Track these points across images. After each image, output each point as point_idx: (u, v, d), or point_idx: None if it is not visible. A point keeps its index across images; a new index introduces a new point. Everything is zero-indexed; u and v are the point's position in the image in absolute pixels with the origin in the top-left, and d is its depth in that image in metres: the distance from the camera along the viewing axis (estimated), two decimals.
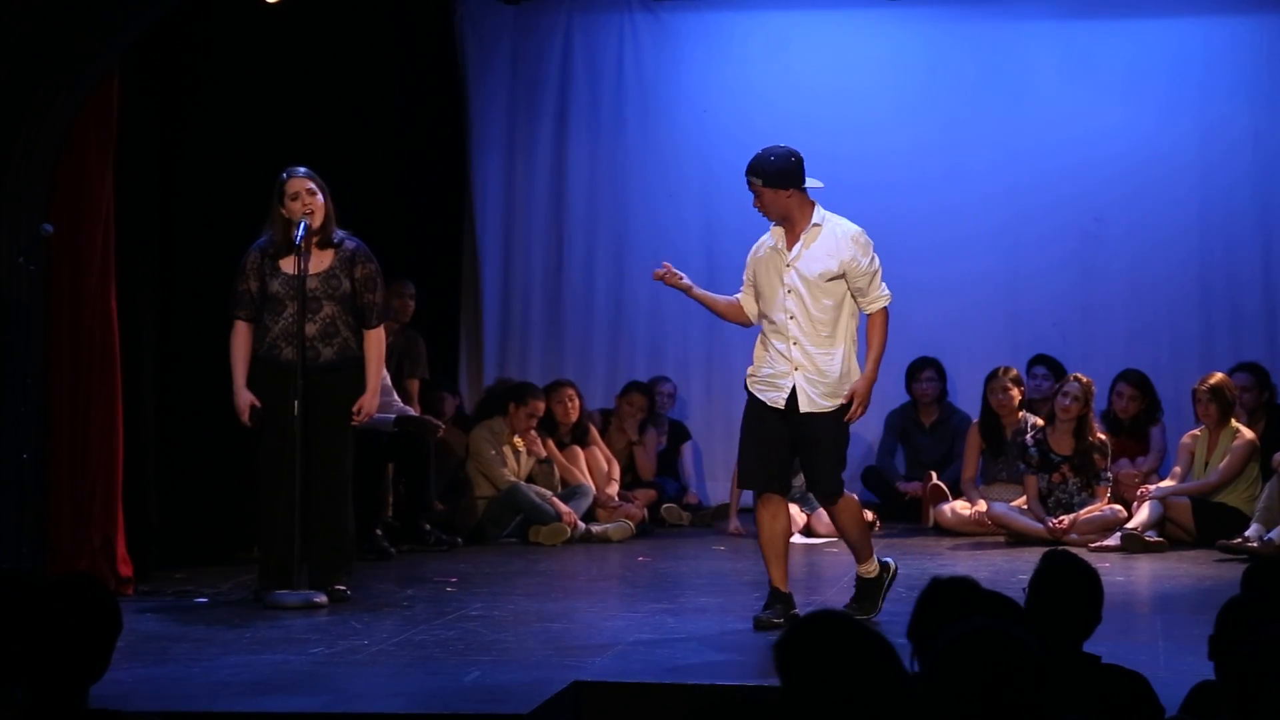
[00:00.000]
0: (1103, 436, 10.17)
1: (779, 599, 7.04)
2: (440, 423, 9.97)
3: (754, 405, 7.21)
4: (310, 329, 7.51)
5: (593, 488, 10.46)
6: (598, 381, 11.63)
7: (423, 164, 11.40)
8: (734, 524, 10.39)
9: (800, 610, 6.95)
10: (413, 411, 9.96)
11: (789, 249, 7.11)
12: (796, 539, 10.08)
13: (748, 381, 7.26)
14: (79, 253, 7.55)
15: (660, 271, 7.45)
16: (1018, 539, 9.90)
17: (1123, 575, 8.77)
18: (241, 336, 7.61)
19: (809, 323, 7.05)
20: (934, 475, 10.68)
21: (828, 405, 7.05)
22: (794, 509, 10.24)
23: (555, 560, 9.38)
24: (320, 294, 7.54)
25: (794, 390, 7.05)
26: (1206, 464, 9.97)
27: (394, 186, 10.97)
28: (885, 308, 7.23)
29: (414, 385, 10.35)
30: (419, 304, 10.42)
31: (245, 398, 7.54)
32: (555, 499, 10.11)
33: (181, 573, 8.34)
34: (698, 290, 7.44)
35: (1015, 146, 11.43)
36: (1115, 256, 11.43)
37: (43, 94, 7.32)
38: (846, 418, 7.10)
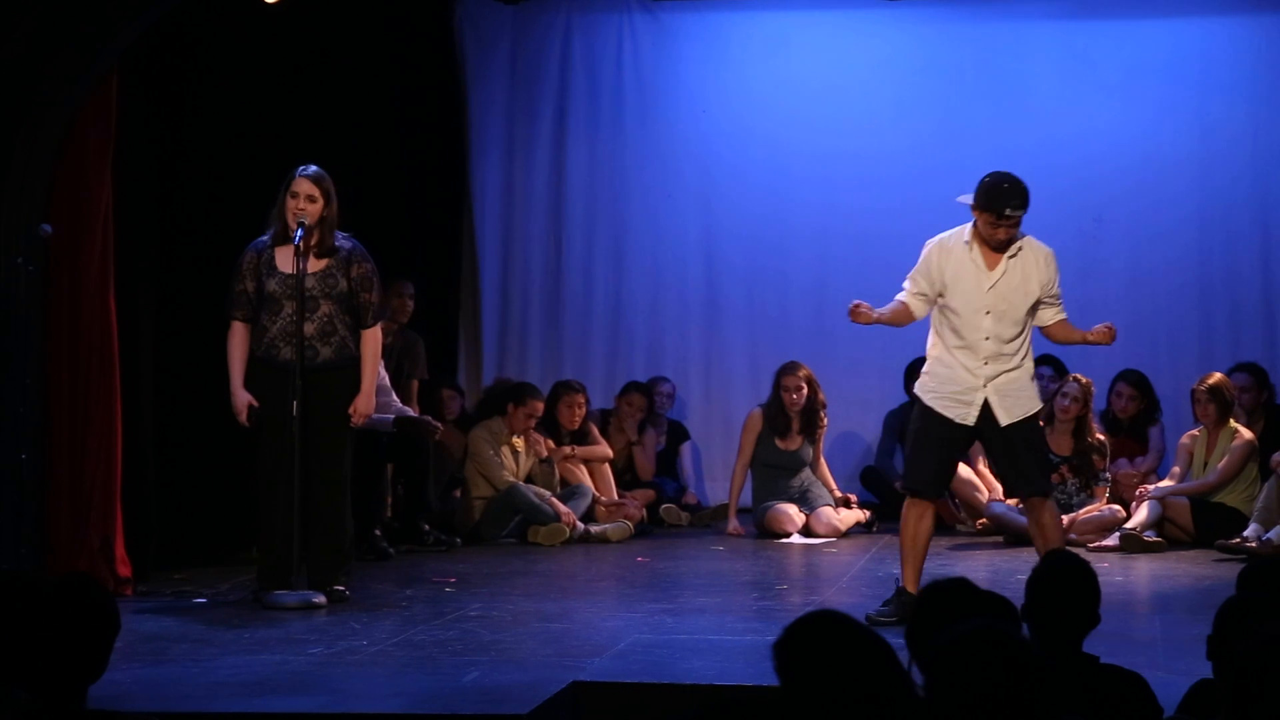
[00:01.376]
0: (1102, 437, 10.17)
1: (902, 599, 7.12)
2: (438, 424, 9.96)
3: (934, 418, 7.23)
4: (308, 328, 7.51)
5: (591, 488, 10.45)
6: (597, 381, 11.62)
7: (421, 164, 11.40)
8: (733, 524, 10.39)
9: (801, 610, 6.95)
10: (412, 412, 9.96)
11: (990, 268, 7.16)
12: (795, 539, 10.11)
13: (926, 396, 7.27)
14: (78, 253, 7.55)
15: (854, 306, 7.34)
16: (1016, 539, 9.89)
17: (1121, 575, 8.78)
18: (239, 337, 7.60)
19: (1002, 343, 7.14)
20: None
21: (1026, 412, 7.19)
22: (792, 509, 10.27)
23: (554, 560, 9.38)
24: (317, 293, 7.54)
25: (985, 404, 7.15)
26: (1205, 464, 9.97)
27: (393, 187, 10.97)
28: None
29: (413, 386, 10.34)
30: (418, 304, 10.42)
31: (243, 398, 7.54)
32: (554, 499, 10.11)
33: (180, 573, 8.34)
34: (881, 313, 7.38)
35: (1013, 146, 11.39)
36: (1113, 256, 11.43)
37: (42, 95, 7.32)
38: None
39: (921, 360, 10.99)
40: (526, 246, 11.86)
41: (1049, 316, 7.31)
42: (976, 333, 7.15)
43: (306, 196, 7.53)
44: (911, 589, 7.14)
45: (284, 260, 7.56)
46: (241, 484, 8.23)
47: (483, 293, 11.83)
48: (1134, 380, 10.59)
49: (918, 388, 7.36)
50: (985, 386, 7.15)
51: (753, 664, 5.99)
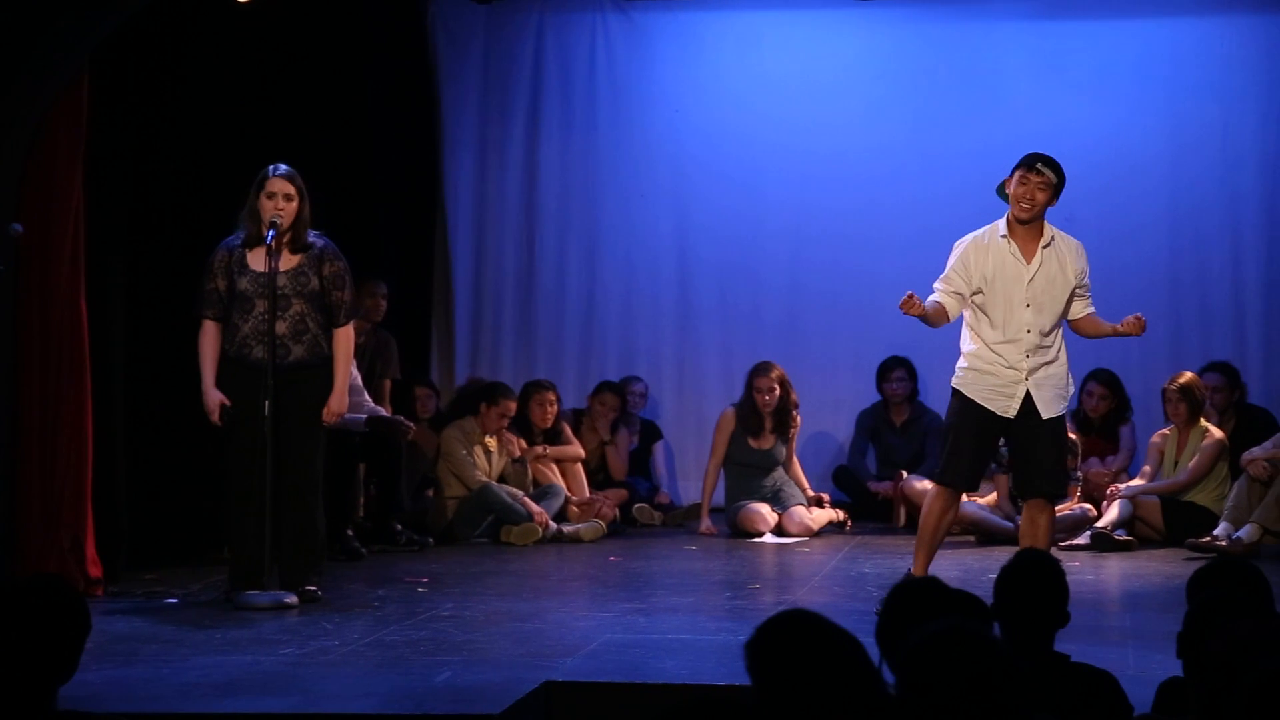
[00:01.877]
0: (1073, 436, 10.18)
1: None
2: (411, 424, 9.95)
3: (974, 411, 7.30)
4: (280, 327, 7.49)
5: (564, 488, 10.45)
6: (569, 381, 11.62)
7: (394, 163, 11.39)
8: (705, 523, 10.40)
9: (774, 609, 6.96)
10: (384, 412, 9.95)
11: (1028, 261, 7.28)
12: (767, 538, 10.12)
13: (967, 389, 7.33)
14: (49, 252, 7.52)
15: (908, 296, 7.35)
16: (988, 538, 9.93)
17: (1092, 574, 8.81)
18: (210, 336, 7.58)
19: (1042, 335, 7.25)
20: (905, 474, 10.70)
21: (1063, 408, 7.33)
22: (765, 508, 10.28)
23: (527, 560, 9.37)
24: (289, 292, 7.52)
25: (1027, 396, 7.23)
26: (1176, 463, 10.01)
27: (366, 186, 10.95)
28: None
29: (386, 385, 10.33)
30: (391, 304, 10.41)
31: (214, 397, 7.52)
32: (527, 499, 10.11)
33: (151, 573, 8.31)
34: (924, 309, 7.41)
35: (985, 145, 11.42)
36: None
37: (13, 93, 7.29)
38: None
39: (892, 359, 11.11)
40: (499, 245, 11.86)
41: (1079, 309, 7.40)
42: (1018, 326, 7.24)
43: (284, 196, 7.52)
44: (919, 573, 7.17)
45: (256, 259, 7.54)
46: (213, 484, 8.19)
47: (456, 292, 11.82)
48: (1105, 379, 10.62)
49: (956, 382, 7.41)
50: (1027, 379, 7.24)
51: (725, 663, 6.00)
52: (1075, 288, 7.32)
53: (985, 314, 7.30)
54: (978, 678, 3.04)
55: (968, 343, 7.41)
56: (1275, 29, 11.27)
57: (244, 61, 9.41)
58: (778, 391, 10.41)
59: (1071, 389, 7.43)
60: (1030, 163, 7.33)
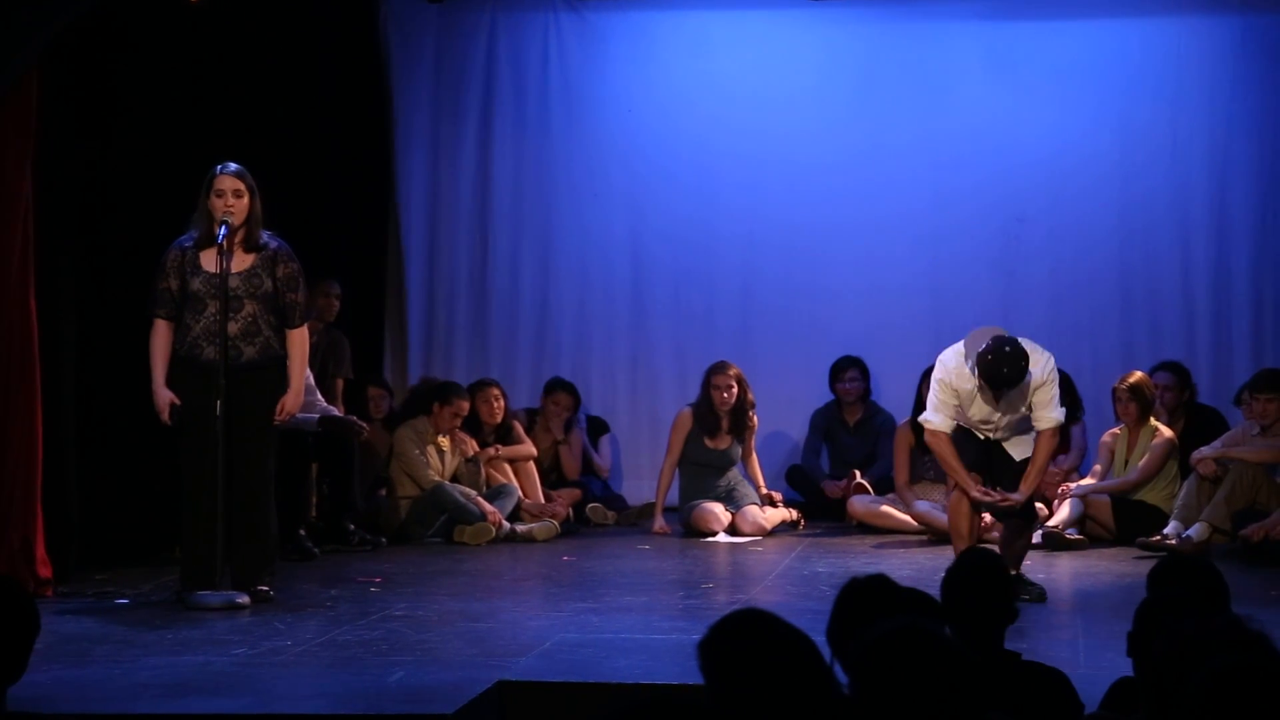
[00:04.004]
0: None
1: None
2: (364, 424, 9.93)
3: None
4: (232, 328, 7.46)
5: (517, 488, 10.44)
6: (523, 381, 11.61)
7: (347, 163, 11.35)
8: (659, 523, 10.41)
9: (727, 608, 6.98)
10: (337, 411, 9.92)
11: (996, 403, 7.74)
12: (721, 538, 10.13)
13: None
14: None
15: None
16: (941, 537, 9.95)
17: (1043, 573, 8.83)
18: (161, 335, 7.55)
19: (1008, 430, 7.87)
20: (858, 474, 10.72)
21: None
22: (718, 508, 10.29)
23: (480, 560, 9.36)
24: (242, 293, 7.50)
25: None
26: (1126, 462, 10.06)
27: (318, 185, 10.91)
28: (1056, 429, 7.89)
29: (338, 385, 10.31)
30: (343, 303, 10.38)
31: (165, 396, 7.48)
32: (480, 499, 10.09)
33: (102, 574, 8.27)
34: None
35: (936, 146, 11.49)
36: (1037, 257, 11.51)
37: None
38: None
39: (845, 359, 11.13)
40: (452, 245, 11.83)
41: (1034, 422, 7.86)
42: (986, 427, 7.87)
43: (233, 192, 7.50)
44: None
45: (208, 260, 7.51)
46: (164, 484, 8.17)
47: (409, 292, 11.80)
48: None
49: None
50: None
51: (678, 662, 6.00)
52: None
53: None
54: (931, 676, 3.05)
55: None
56: (1223, 29, 11.34)
57: (195, 61, 9.36)
58: (735, 390, 10.43)
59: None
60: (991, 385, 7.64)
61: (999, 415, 7.77)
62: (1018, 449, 7.86)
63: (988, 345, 7.54)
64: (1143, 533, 9.45)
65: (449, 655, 6.42)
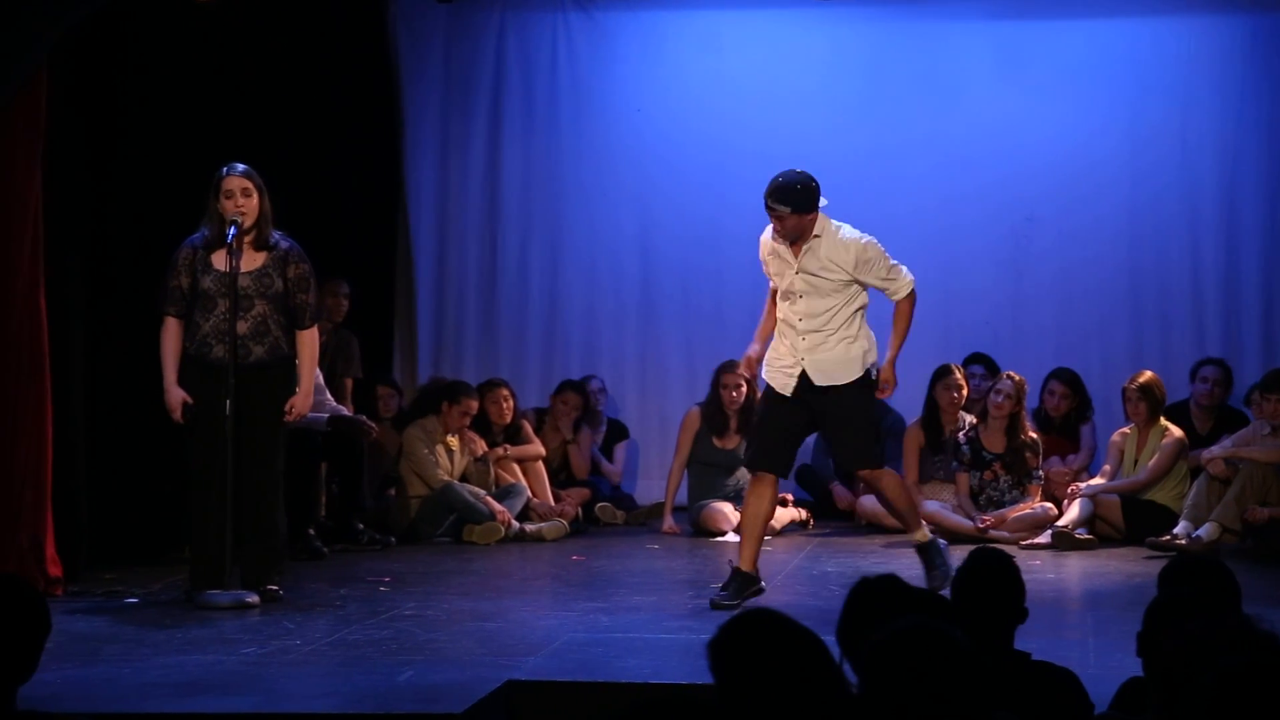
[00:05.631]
0: (1034, 435, 10.23)
1: (735, 579, 7.53)
2: (373, 424, 9.94)
3: (768, 392, 7.73)
4: (241, 327, 7.47)
5: (526, 487, 10.44)
6: (532, 380, 11.62)
7: (356, 163, 11.35)
8: (668, 522, 10.41)
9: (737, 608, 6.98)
10: (346, 411, 9.93)
11: (795, 257, 7.58)
12: (730, 537, 10.12)
13: (764, 371, 7.72)
14: (7, 252, 7.48)
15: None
16: (949, 536, 9.94)
17: (1053, 573, 8.84)
18: (172, 333, 7.55)
19: (814, 319, 7.53)
20: None
21: (841, 379, 7.53)
22: (728, 507, 10.28)
23: (489, 559, 9.36)
24: (252, 292, 7.51)
25: (803, 374, 7.54)
26: (1136, 462, 10.05)
27: (327, 185, 10.92)
28: (910, 293, 7.74)
29: (347, 384, 10.32)
30: (353, 303, 10.39)
31: (177, 395, 7.49)
32: (489, 498, 10.09)
33: (111, 573, 8.27)
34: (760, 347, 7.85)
35: (948, 145, 11.48)
36: (1047, 256, 11.50)
37: None
38: (877, 393, 7.67)
39: None
40: (462, 245, 11.84)
41: (890, 296, 7.74)
42: (790, 312, 7.66)
43: (242, 192, 7.51)
44: (744, 566, 7.66)
45: (219, 259, 7.52)
46: (173, 483, 8.17)
47: (418, 291, 11.80)
48: (1066, 378, 10.66)
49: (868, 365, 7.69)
50: (803, 360, 7.59)
51: (687, 662, 6.01)
52: (854, 279, 7.58)
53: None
54: (941, 676, 3.05)
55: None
56: (1232, 29, 11.33)
57: (204, 61, 9.37)
58: (744, 389, 10.42)
59: (860, 366, 7.61)
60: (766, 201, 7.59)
61: (802, 286, 7.52)
62: (820, 369, 7.51)
63: None
64: (1152, 533, 9.45)
65: (458, 654, 6.42)
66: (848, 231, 7.65)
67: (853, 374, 7.55)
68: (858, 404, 7.60)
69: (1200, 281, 11.36)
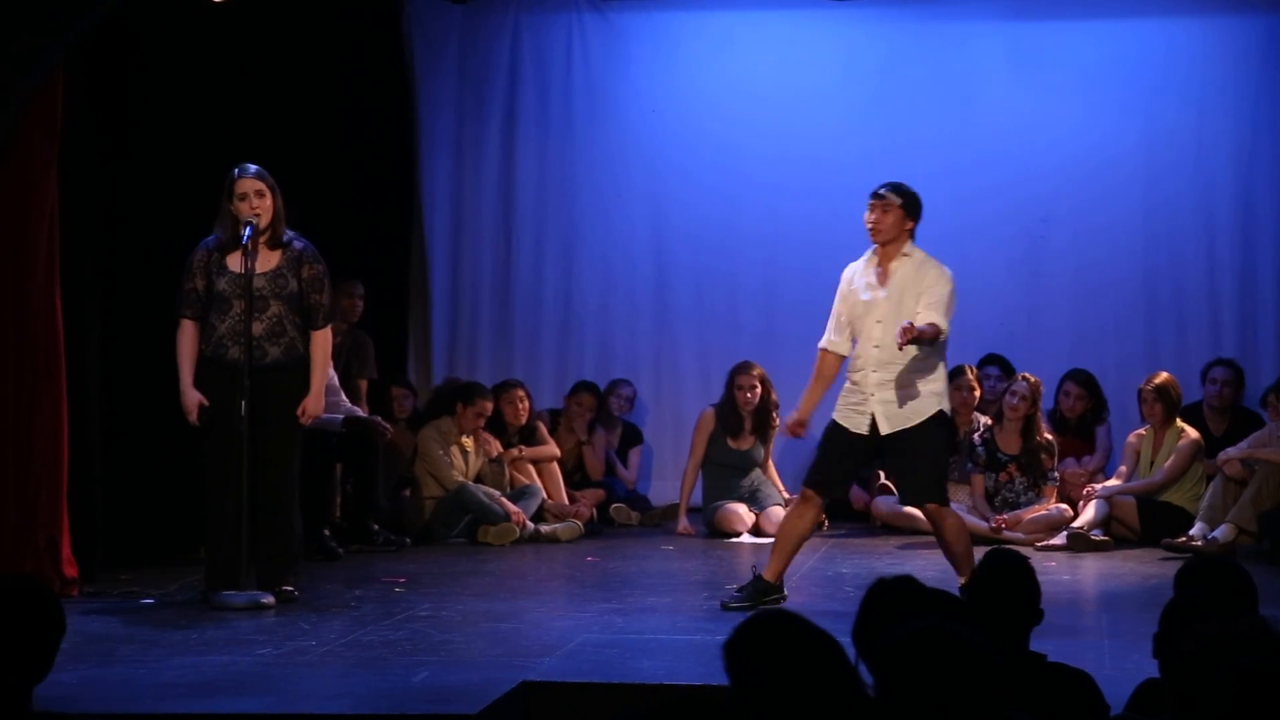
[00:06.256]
0: (1050, 437, 10.22)
1: (753, 584, 7.53)
2: (388, 425, 9.94)
3: (837, 422, 7.66)
4: (257, 328, 7.47)
5: (541, 488, 10.44)
6: (547, 381, 11.62)
7: (371, 164, 11.37)
8: (683, 523, 10.40)
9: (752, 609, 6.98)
10: (361, 412, 9.94)
11: (883, 281, 7.51)
12: (745, 538, 10.12)
13: (836, 409, 7.70)
14: (23, 254, 7.50)
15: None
16: None
17: (1069, 574, 8.82)
18: (188, 335, 7.56)
19: (891, 349, 7.34)
20: (881, 474, 10.69)
21: (910, 422, 7.45)
22: (742, 508, 10.28)
23: (504, 560, 9.37)
24: (267, 293, 7.51)
25: (874, 417, 7.49)
26: (1152, 463, 10.03)
27: (342, 187, 10.93)
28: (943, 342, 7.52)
29: (362, 385, 10.32)
30: (367, 304, 10.40)
31: (193, 397, 7.49)
32: (504, 499, 10.10)
33: (127, 574, 8.29)
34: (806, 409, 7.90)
35: (961, 146, 11.46)
36: (1062, 257, 11.48)
37: None
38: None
39: None
40: (476, 246, 11.84)
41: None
42: (866, 341, 7.61)
43: (255, 193, 7.51)
44: (768, 576, 7.64)
45: (234, 260, 7.53)
46: (189, 484, 8.18)
47: (432, 292, 11.81)
48: (1081, 380, 10.65)
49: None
50: (872, 398, 7.54)
51: (703, 663, 6.00)
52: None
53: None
54: (956, 678, 3.05)
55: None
56: (1247, 29, 11.30)
57: (219, 61, 9.38)
58: (759, 390, 10.43)
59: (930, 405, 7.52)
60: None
61: (881, 296, 7.43)
62: (888, 410, 7.43)
63: None
64: (1168, 534, 9.44)
65: (473, 655, 6.42)
66: (934, 261, 7.59)
67: (923, 414, 7.45)
68: (928, 440, 7.48)
69: (1216, 282, 11.33)
